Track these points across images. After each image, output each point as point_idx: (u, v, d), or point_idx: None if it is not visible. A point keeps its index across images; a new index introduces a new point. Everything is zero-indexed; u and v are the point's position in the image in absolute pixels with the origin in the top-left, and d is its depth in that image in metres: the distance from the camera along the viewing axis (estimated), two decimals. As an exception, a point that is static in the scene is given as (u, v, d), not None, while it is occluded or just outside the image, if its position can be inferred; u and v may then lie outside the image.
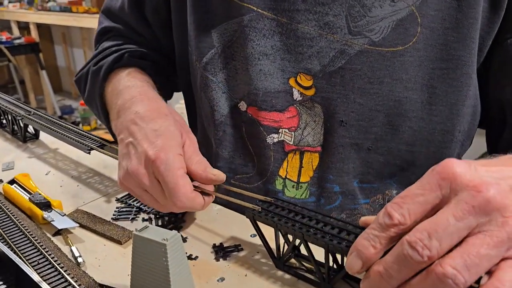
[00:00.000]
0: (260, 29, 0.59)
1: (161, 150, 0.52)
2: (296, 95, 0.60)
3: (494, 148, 0.66)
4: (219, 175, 0.54)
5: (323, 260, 0.45)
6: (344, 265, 0.44)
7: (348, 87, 0.58)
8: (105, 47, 0.76)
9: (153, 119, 0.56)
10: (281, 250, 0.50)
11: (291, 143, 0.62)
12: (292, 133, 0.62)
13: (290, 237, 0.48)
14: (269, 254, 0.51)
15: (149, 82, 0.69)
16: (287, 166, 0.63)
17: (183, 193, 0.51)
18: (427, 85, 0.58)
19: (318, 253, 0.45)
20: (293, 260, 0.50)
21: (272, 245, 0.50)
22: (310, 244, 0.45)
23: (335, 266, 0.45)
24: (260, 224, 0.50)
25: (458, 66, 0.57)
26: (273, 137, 0.62)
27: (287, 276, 0.50)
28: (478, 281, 0.33)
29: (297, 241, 0.48)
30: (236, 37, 0.61)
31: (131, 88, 0.64)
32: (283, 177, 0.64)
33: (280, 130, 0.62)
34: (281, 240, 0.49)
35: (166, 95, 0.77)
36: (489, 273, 0.32)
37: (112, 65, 0.70)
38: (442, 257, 0.32)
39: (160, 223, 0.61)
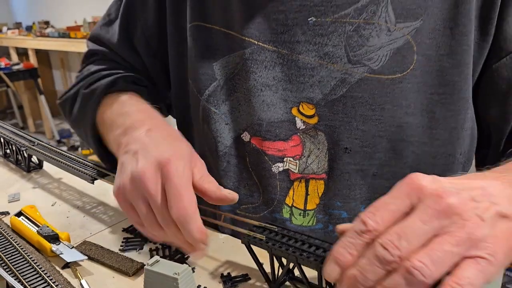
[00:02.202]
0: (262, 61, 0.61)
1: (173, 156, 0.50)
2: (299, 124, 0.62)
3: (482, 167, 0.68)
4: (233, 194, 0.53)
5: (316, 282, 0.47)
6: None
7: (351, 114, 0.59)
8: (92, 70, 0.76)
9: (165, 137, 0.55)
10: (276, 273, 0.51)
11: (296, 171, 0.63)
12: (297, 161, 0.62)
13: (284, 261, 0.50)
14: (264, 277, 0.52)
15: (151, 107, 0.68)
16: (293, 194, 0.64)
17: (187, 201, 0.47)
18: (426, 110, 0.59)
19: (312, 274, 0.47)
20: (288, 283, 0.52)
21: (268, 270, 0.52)
22: (303, 267, 0.47)
23: None
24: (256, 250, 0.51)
25: (454, 91, 0.59)
26: (278, 166, 0.63)
27: (295, 305, 0.50)
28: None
29: (291, 265, 0.49)
30: (238, 70, 0.63)
31: (138, 112, 0.63)
32: (290, 205, 0.64)
33: (284, 159, 0.63)
34: (276, 264, 0.50)
35: None
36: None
37: (107, 89, 0.70)
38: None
39: (167, 253, 0.61)
